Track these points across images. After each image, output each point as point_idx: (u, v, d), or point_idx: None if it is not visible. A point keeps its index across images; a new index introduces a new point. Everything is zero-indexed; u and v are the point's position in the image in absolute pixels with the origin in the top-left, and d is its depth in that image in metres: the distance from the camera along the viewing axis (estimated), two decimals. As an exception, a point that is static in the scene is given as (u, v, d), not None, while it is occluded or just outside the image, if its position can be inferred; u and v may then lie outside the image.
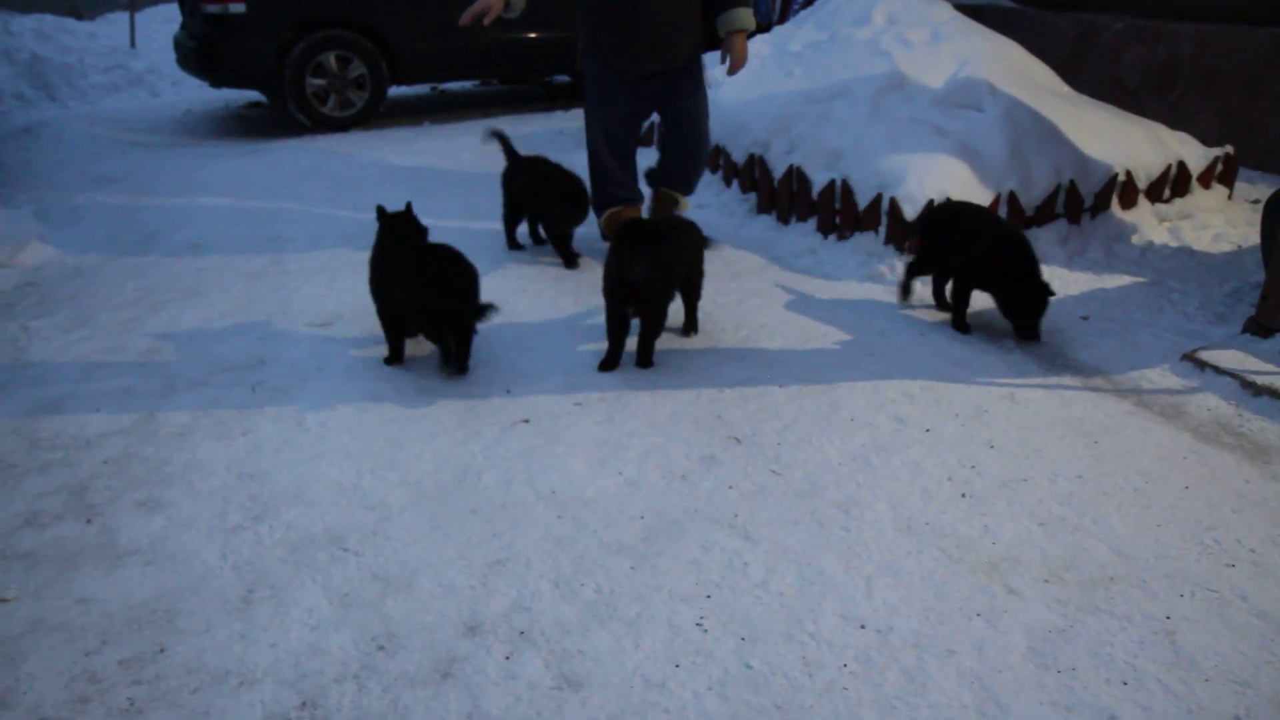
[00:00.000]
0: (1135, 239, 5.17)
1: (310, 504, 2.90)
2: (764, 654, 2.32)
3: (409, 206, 3.84)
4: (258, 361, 3.82)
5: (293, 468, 3.09)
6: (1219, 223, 5.46)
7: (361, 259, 4.86)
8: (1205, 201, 5.63)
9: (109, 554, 2.66)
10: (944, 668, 2.29)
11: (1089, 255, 5.02)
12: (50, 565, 2.62)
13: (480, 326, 3.65)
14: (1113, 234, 5.18)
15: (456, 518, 2.83)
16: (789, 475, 3.06)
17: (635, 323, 3.78)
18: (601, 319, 3.78)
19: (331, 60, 7.87)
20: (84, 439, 3.25)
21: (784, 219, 5.45)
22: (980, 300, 4.18)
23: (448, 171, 6.70)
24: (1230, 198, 5.82)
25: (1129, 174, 5.29)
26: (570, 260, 4.86)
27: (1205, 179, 5.70)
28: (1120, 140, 5.39)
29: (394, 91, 8.81)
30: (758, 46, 6.57)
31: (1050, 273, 4.76)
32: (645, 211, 5.13)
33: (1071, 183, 5.11)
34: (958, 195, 4.78)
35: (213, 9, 7.57)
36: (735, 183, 5.91)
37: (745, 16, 4.47)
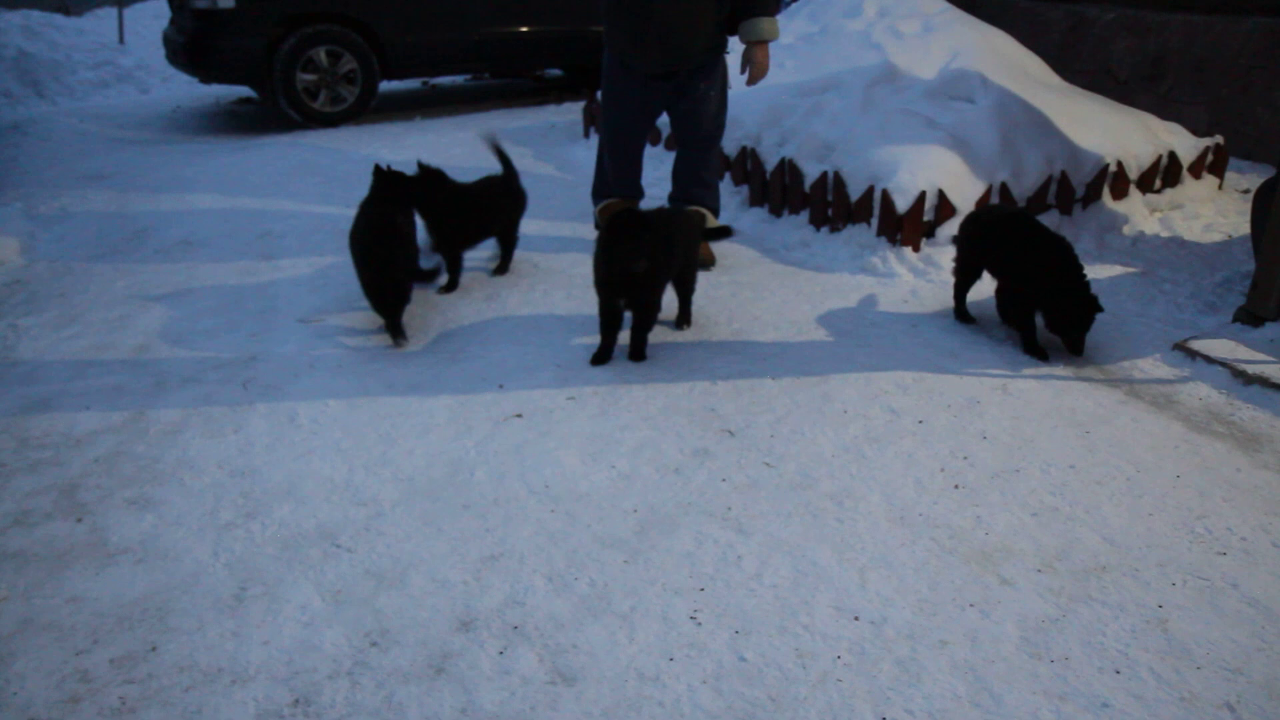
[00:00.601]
0: (1126, 229, 5.18)
1: (302, 501, 2.89)
2: (758, 646, 2.32)
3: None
4: (249, 358, 3.81)
5: (284, 464, 3.08)
6: (1210, 212, 5.48)
7: (352, 254, 4.87)
8: (1196, 191, 5.65)
9: (100, 552, 2.65)
10: (937, 658, 2.29)
11: (1080, 246, 5.00)
12: (40, 564, 2.61)
13: (472, 320, 3.64)
14: (1104, 224, 5.19)
15: (449, 513, 2.82)
16: (782, 467, 3.06)
17: (628, 316, 3.77)
18: (593, 312, 3.77)
19: (322, 55, 7.83)
20: (74, 437, 3.24)
21: (776, 212, 5.45)
22: (976, 292, 4.17)
23: (440, 166, 6.66)
24: (1221, 188, 5.84)
25: (1120, 164, 5.30)
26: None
27: (1196, 169, 5.71)
28: (1111, 131, 5.40)
29: (385, 86, 8.78)
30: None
31: (1042, 263, 4.78)
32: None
33: (1063, 173, 5.12)
34: (949, 187, 4.79)
35: (202, 4, 7.53)
36: (727, 176, 5.90)
37: (769, 26, 4.41)
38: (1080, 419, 3.37)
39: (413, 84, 10.15)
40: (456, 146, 7.24)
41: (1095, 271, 4.69)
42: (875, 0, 6.50)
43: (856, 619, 2.42)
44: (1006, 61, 5.75)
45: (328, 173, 6.55)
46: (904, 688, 2.21)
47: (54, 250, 5.05)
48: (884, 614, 2.44)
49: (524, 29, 8.74)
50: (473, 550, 2.66)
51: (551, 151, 7.24)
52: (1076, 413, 3.41)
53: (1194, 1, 6.87)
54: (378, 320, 4.01)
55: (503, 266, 4.71)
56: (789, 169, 5.29)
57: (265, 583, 2.54)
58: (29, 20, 10.27)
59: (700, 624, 2.39)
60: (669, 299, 3.92)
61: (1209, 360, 3.71)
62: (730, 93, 4.87)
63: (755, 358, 3.81)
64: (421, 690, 2.19)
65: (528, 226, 5.35)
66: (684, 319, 4.08)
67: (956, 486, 2.97)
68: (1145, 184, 5.47)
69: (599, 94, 4.88)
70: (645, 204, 4.95)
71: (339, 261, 4.80)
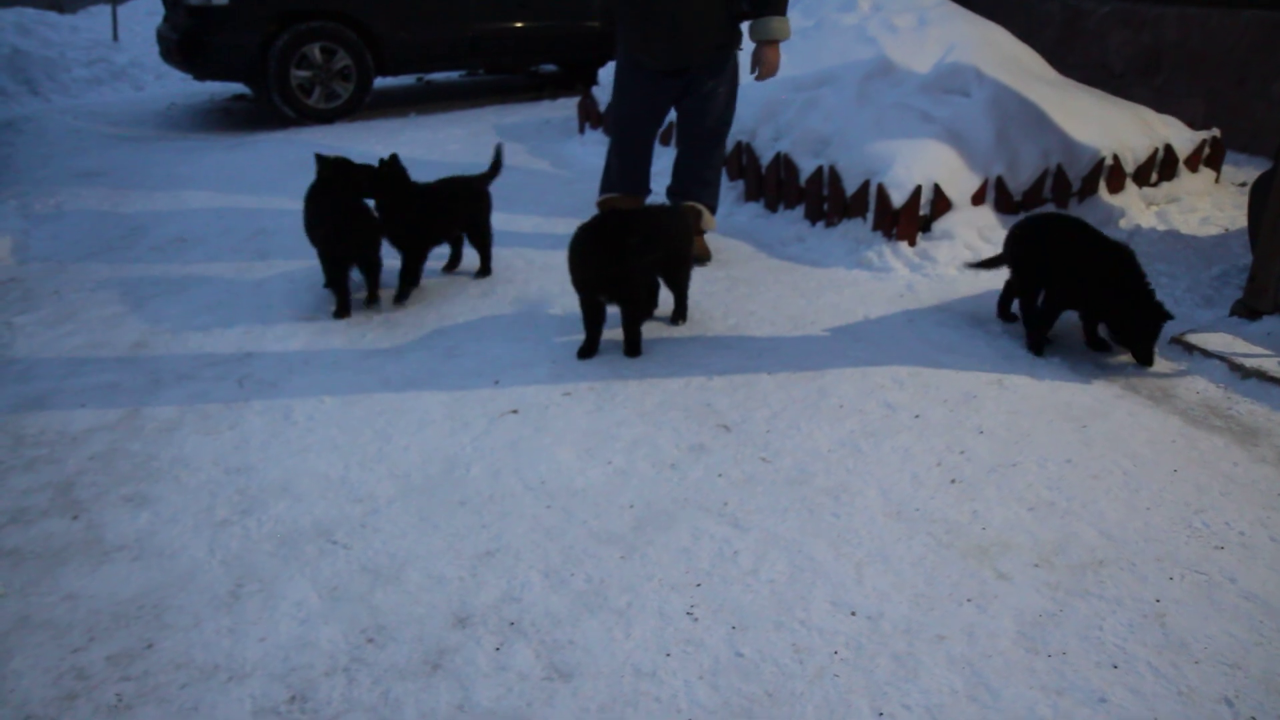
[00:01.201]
0: (1123, 223, 5.18)
1: (298, 497, 2.88)
2: (754, 642, 2.32)
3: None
4: (244, 355, 3.80)
5: (280, 461, 3.07)
6: (1206, 206, 5.48)
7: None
8: (1192, 185, 5.65)
9: (96, 550, 2.65)
10: (934, 653, 2.29)
11: (1077, 240, 5.02)
12: (37, 562, 2.60)
13: (468, 316, 3.64)
14: (1100, 218, 5.18)
15: (445, 509, 2.82)
16: (778, 463, 3.06)
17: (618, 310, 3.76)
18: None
19: (316, 52, 7.81)
20: (70, 435, 3.23)
21: (771, 206, 5.44)
22: (972, 285, 4.17)
23: (435, 162, 6.64)
24: (1217, 181, 5.84)
25: (1116, 158, 5.29)
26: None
27: (1192, 162, 5.71)
28: (1107, 124, 5.40)
29: (380, 83, 8.76)
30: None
31: (1038, 258, 4.78)
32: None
33: (1059, 167, 5.11)
34: (945, 181, 4.78)
35: (196, 1, 7.51)
36: (723, 171, 5.89)
37: (780, 26, 4.37)
38: (1077, 413, 3.37)
39: (408, 80, 10.13)
40: (452, 142, 7.22)
41: (1091, 265, 4.70)
42: (870, -6, 6.49)
43: (853, 614, 2.42)
44: (1002, 55, 5.74)
45: (323, 169, 6.52)
46: (901, 683, 2.21)
47: (48, 248, 5.03)
48: (881, 609, 2.43)
49: (519, 25, 8.72)
50: (469, 546, 2.66)
51: (546, 147, 7.23)
52: (1073, 407, 3.41)
53: (1190, -5, 6.87)
54: (373, 316, 4.01)
55: (484, 268, 4.62)
56: (784, 164, 5.28)
57: (261, 579, 2.53)
58: (22, 18, 10.24)
59: (697, 619, 2.39)
60: (664, 296, 3.91)
61: (1206, 354, 3.72)
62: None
63: (751, 353, 3.80)
64: (418, 686, 2.19)
65: (523, 223, 5.36)
66: (679, 314, 4.07)
67: (953, 481, 2.97)
68: (1141, 177, 5.46)
69: (611, 90, 4.82)
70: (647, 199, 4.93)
71: (334, 258, 4.79)
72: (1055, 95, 5.42)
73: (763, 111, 5.65)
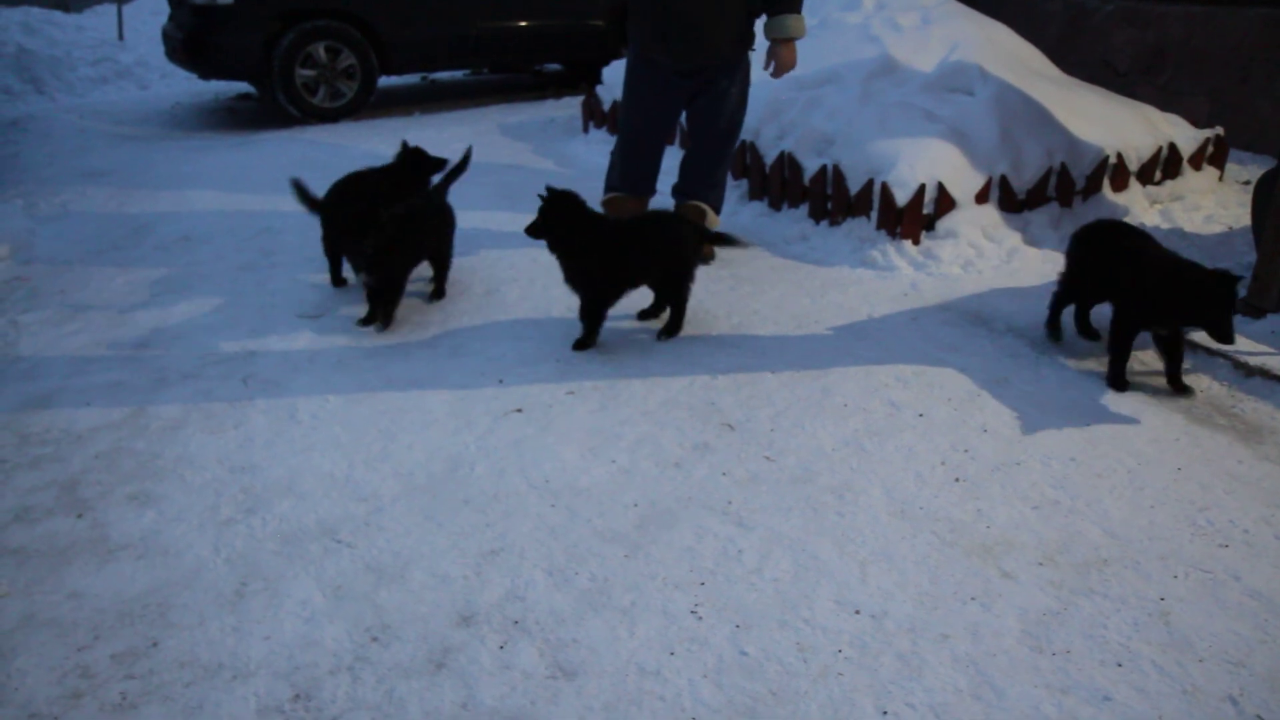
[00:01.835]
0: (1127, 221, 5.17)
1: (302, 496, 2.89)
2: (759, 640, 2.32)
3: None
4: (249, 354, 3.81)
5: (285, 460, 3.08)
6: (1210, 204, 5.47)
7: (352, 250, 4.86)
8: (1196, 183, 5.64)
9: (100, 549, 2.65)
10: (939, 652, 2.29)
11: (1081, 238, 5.01)
12: (41, 560, 2.61)
13: (472, 315, 3.64)
14: (1104, 216, 5.17)
15: (449, 508, 2.82)
16: (782, 462, 3.06)
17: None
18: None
19: (321, 51, 7.82)
20: (75, 433, 3.24)
21: (775, 206, 5.44)
22: (981, 283, 4.17)
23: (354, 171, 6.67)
24: (1221, 179, 5.83)
25: (1120, 156, 5.28)
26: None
27: (1196, 161, 5.70)
28: (1111, 123, 5.39)
29: (384, 81, 8.76)
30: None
31: (1043, 255, 4.79)
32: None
33: (1063, 166, 5.11)
34: (949, 180, 4.77)
35: (201, 0, 7.52)
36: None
37: (796, 24, 4.34)
38: (1081, 412, 3.36)
39: (412, 79, 10.13)
40: (457, 141, 7.21)
41: (1096, 264, 4.69)
42: (874, -7, 6.48)
43: (857, 613, 2.42)
44: (1005, 54, 5.73)
45: (327, 168, 6.49)
46: (905, 681, 2.21)
47: (54, 247, 5.04)
48: (885, 608, 2.43)
49: (523, 23, 8.72)
50: (473, 545, 2.66)
51: (550, 146, 7.23)
52: (1077, 405, 3.41)
53: (1194, -7, 6.86)
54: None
55: (438, 290, 4.34)
56: (788, 163, 5.28)
57: (266, 578, 2.54)
58: (29, 17, 10.27)
59: (701, 618, 2.39)
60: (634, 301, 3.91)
61: (1210, 352, 3.71)
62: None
63: (755, 352, 3.80)
64: (422, 685, 2.19)
65: (527, 222, 5.34)
66: (673, 328, 3.94)
67: (957, 480, 2.97)
68: (1145, 176, 5.45)
69: (620, 89, 4.78)
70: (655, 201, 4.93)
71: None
72: (1059, 94, 5.41)
73: (766, 111, 5.64)
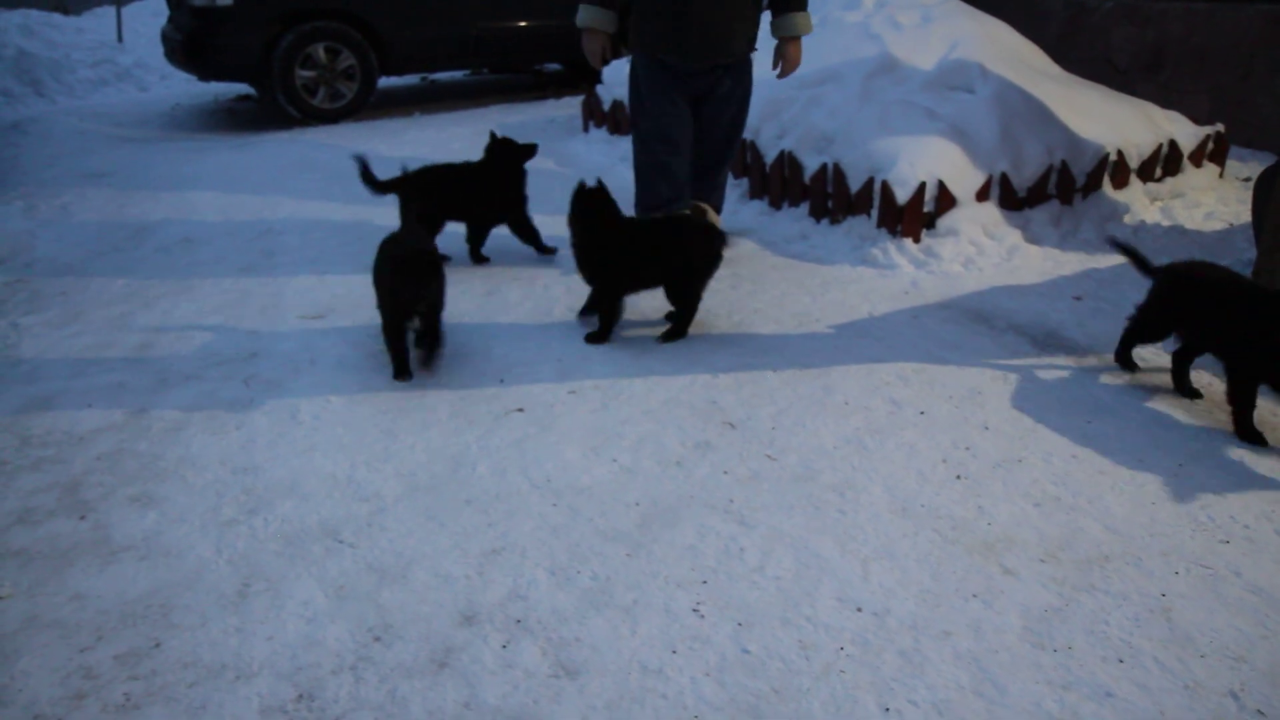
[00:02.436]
0: (1128, 218, 5.17)
1: (305, 497, 2.89)
2: (761, 638, 2.32)
3: None
4: (250, 355, 3.81)
5: (286, 461, 3.08)
6: (1211, 201, 5.47)
7: (353, 250, 4.88)
8: (1197, 180, 5.64)
9: (103, 550, 2.65)
10: (940, 649, 2.29)
11: (1081, 235, 5.02)
12: (44, 562, 2.61)
13: (473, 315, 3.63)
14: (1105, 214, 5.18)
15: (451, 508, 2.83)
16: (784, 460, 3.06)
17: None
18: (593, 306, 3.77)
19: (320, 52, 7.83)
20: (76, 435, 3.24)
21: (775, 204, 5.44)
22: (981, 281, 4.17)
23: (440, 161, 6.67)
24: (1222, 176, 5.83)
25: (1120, 154, 5.29)
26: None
27: (1197, 158, 5.70)
28: (1111, 120, 5.39)
29: (384, 82, 8.77)
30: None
31: (1043, 253, 4.79)
32: None
33: (1063, 163, 5.11)
34: (949, 177, 4.77)
35: (200, 2, 7.53)
36: (727, 169, 5.89)
37: (803, 22, 4.31)
38: (1082, 408, 3.37)
39: (412, 79, 10.14)
40: (456, 141, 7.23)
41: (1097, 261, 4.71)
42: (874, -9, 6.48)
43: (859, 610, 2.42)
44: (1006, 51, 5.74)
45: (328, 169, 6.55)
46: (907, 678, 2.21)
47: (55, 249, 5.05)
48: (887, 605, 2.44)
49: (522, 24, 8.73)
50: (475, 545, 2.66)
51: (551, 146, 7.23)
52: (1078, 402, 3.41)
53: (1194, -11, 6.86)
54: (378, 315, 4.02)
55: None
56: (788, 161, 5.28)
57: (268, 579, 2.54)
58: (28, 19, 10.28)
59: (703, 616, 2.39)
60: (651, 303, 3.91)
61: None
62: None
63: (756, 350, 3.80)
64: (425, 685, 2.20)
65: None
66: (673, 333, 3.90)
67: (959, 477, 2.97)
68: (1146, 173, 5.46)
69: (628, 95, 4.55)
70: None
71: (340, 257, 4.80)
72: (1059, 91, 5.42)
73: (766, 109, 5.64)
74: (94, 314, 4.21)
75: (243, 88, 9.34)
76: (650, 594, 2.47)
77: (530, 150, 4.75)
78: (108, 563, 2.60)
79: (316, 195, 5.94)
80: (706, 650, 2.28)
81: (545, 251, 4.82)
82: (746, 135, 5.63)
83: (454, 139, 7.32)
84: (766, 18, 4.43)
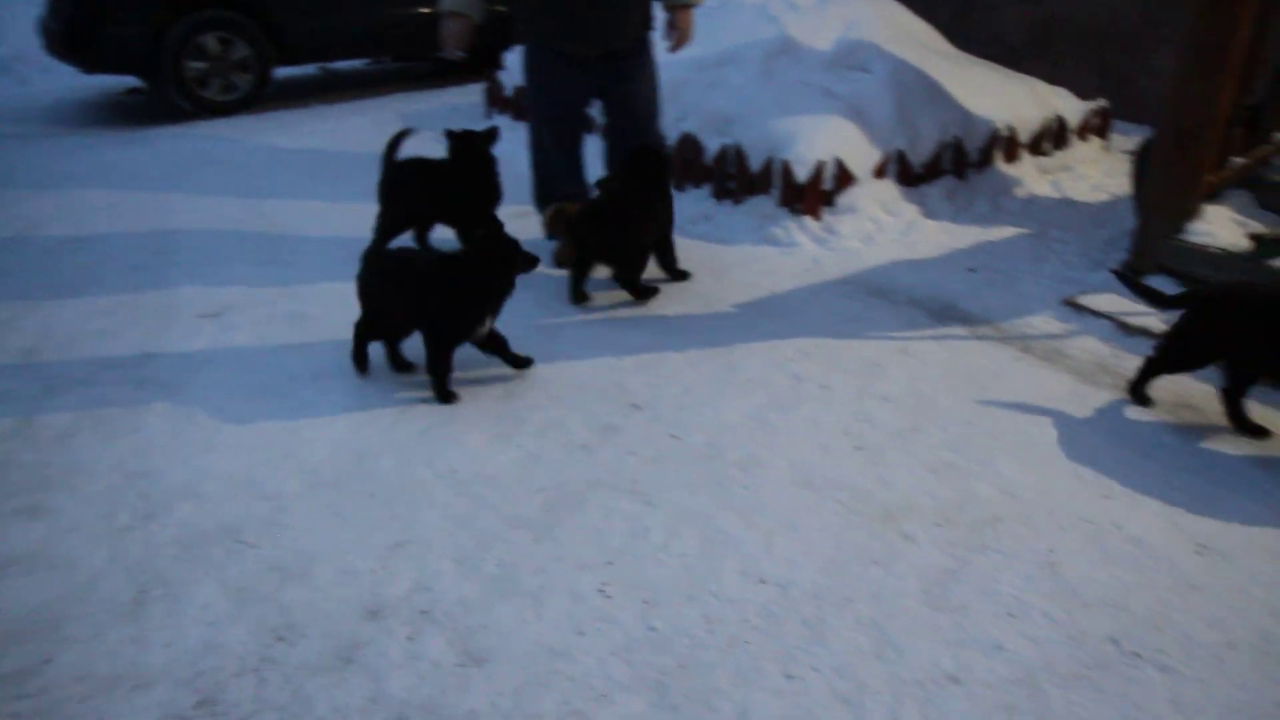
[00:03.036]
0: (1019, 191, 5.34)
1: (204, 499, 2.82)
2: (667, 615, 2.35)
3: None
4: (144, 356, 3.69)
5: (184, 463, 3.00)
6: (1097, 174, 5.68)
7: (252, 245, 4.75)
8: (1083, 153, 5.86)
9: (-12, 564, 2.55)
10: (842, 616, 2.36)
11: (975, 209, 5.17)
12: (-76, 580, 2.50)
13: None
14: (997, 188, 5.34)
15: (355, 503, 2.79)
16: (689, 439, 3.09)
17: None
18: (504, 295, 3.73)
19: (212, 42, 7.57)
20: (-43, 447, 3.10)
21: (678, 186, 5.45)
22: (881, 256, 4.25)
23: (339, 153, 6.54)
24: (1107, 149, 6.05)
25: (1011, 129, 5.45)
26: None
27: (1083, 132, 5.91)
28: (1002, 97, 5.56)
29: (281, 73, 8.53)
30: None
31: (940, 227, 4.92)
32: None
33: (957, 140, 5.25)
34: (848, 156, 4.86)
35: (80, -10, 7.20)
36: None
37: None
38: (977, 377, 3.48)
39: (309, 69, 9.88)
40: (356, 132, 7.08)
41: (991, 234, 4.86)
42: (771, -27, 6.53)
43: (763, 582, 2.47)
44: (901, 31, 5.86)
45: (226, 163, 6.35)
46: (810, 646, 2.26)
47: (-70, 254, 4.80)
48: (790, 576, 2.49)
49: (424, 10, 8.57)
50: (379, 538, 2.64)
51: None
52: (973, 371, 3.52)
53: (1077, -32, 7.09)
54: (278, 310, 3.92)
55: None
56: (689, 143, 5.31)
57: (166, 584, 2.48)
58: (-107, 12, 9.71)
59: (609, 597, 2.41)
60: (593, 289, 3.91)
61: (1095, 314, 3.87)
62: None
63: (661, 332, 3.83)
64: (330, 681, 2.17)
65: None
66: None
67: (859, 448, 3.05)
68: (1036, 147, 5.64)
69: (524, 81, 4.49)
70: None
71: (238, 253, 4.67)
72: (952, 70, 5.56)
73: (667, 91, 5.62)
74: (-26, 320, 4.02)
75: (131, 80, 8.98)
76: (556, 578, 2.48)
77: (493, 134, 4.31)
78: (-7, 578, 2.50)
79: (212, 190, 5.76)
80: (613, 630, 2.31)
81: None
82: (649, 119, 5.63)
83: (353, 130, 7.17)
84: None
